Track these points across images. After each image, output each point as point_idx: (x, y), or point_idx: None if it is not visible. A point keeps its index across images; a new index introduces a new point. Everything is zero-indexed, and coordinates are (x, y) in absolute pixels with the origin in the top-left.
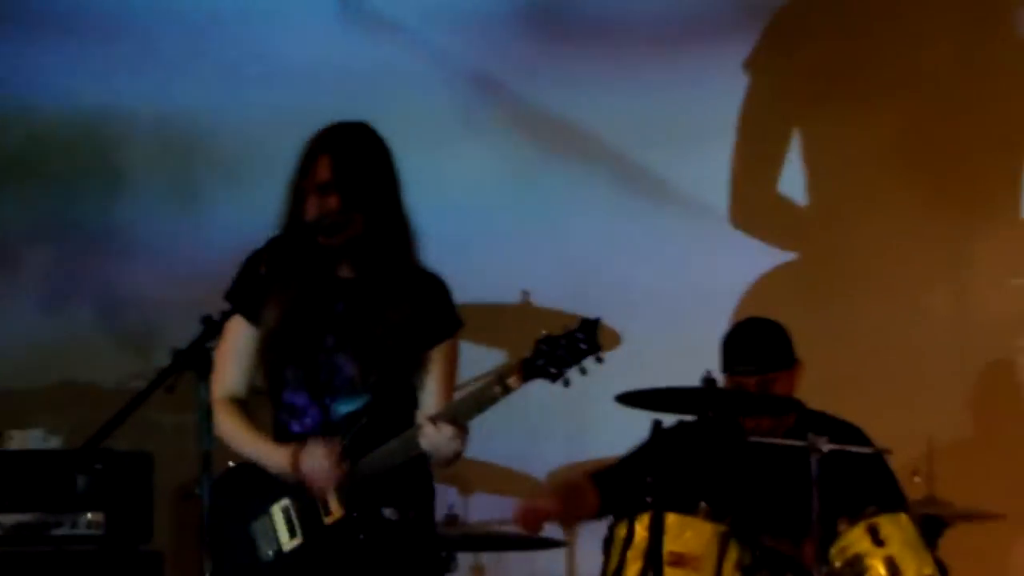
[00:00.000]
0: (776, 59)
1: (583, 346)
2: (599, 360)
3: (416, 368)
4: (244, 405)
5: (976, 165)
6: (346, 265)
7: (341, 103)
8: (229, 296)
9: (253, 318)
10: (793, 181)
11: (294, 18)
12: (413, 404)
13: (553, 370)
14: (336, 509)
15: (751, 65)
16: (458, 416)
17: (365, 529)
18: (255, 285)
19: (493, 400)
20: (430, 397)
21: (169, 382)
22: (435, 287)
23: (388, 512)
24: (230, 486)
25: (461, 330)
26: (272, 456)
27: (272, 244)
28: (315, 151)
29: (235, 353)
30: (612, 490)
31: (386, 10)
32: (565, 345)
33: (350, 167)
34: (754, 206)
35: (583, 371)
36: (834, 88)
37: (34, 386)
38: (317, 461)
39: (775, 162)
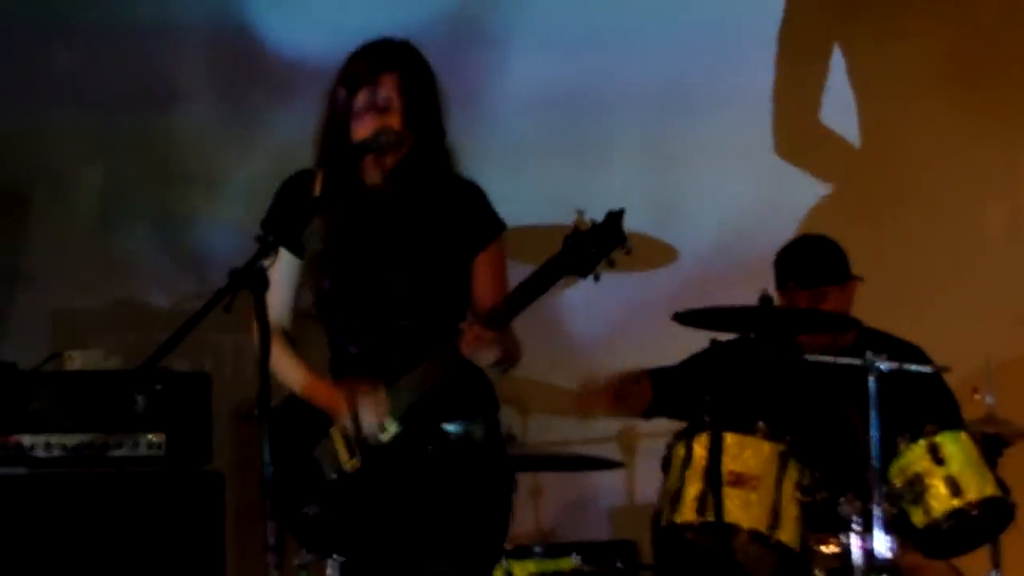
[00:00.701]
0: None
1: (610, 238)
2: (627, 251)
3: (465, 277)
4: (289, 336)
5: None
6: (389, 182)
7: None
8: (266, 225)
9: (294, 247)
10: (838, 105)
11: None
12: (463, 319)
13: (583, 266)
14: (392, 425)
15: None
16: (492, 320)
17: (430, 441)
18: (293, 213)
19: (526, 301)
20: (482, 301)
21: (226, 301)
22: (473, 195)
23: (452, 427)
24: (289, 412)
25: (504, 232)
26: (319, 390)
27: (305, 173)
28: (376, 68)
29: (277, 284)
30: (666, 390)
31: None
32: (592, 239)
33: (416, 86)
34: (798, 137)
35: (611, 263)
36: (878, 4)
37: (92, 306)
38: (366, 407)
39: (817, 88)
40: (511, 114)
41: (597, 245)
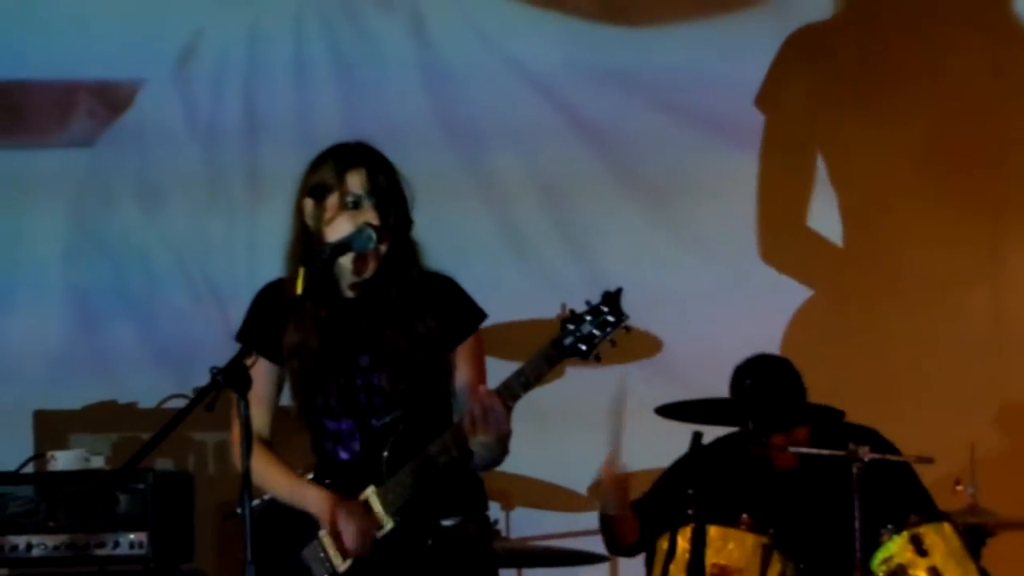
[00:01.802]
0: (801, 71)
1: (610, 317)
2: (626, 329)
3: (446, 372)
4: (269, 445)
5: (1008, 168)
6: (371, 281)
7: None
8: (241, 338)
9: (272, 355)
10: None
11: None
12: (448, 412)
13: (583, 347)
14: (387, 521)
15: (774, 79)
16: (502, 393)
17: (425, 536)
18: (269, 321)
19: (528, 385)
20: (464, 394)
21: (208, 400)
22: (448, 288)
23: (448, 522)
24: (272, 515)
25: (482, 321)
26: (306, 496)
27: (277, 283)
28: (341, 168)
29: (257, 394)
30: (650, 516)
31: None
32: (591, 320)
33: (383, 180)
34: (784, 240)
35: (613, 343)
36: (860, 98)
37: (75, 407)
38: (352, 528)
39: (804, 186)
40: (491, 202)
41: (597, 325)
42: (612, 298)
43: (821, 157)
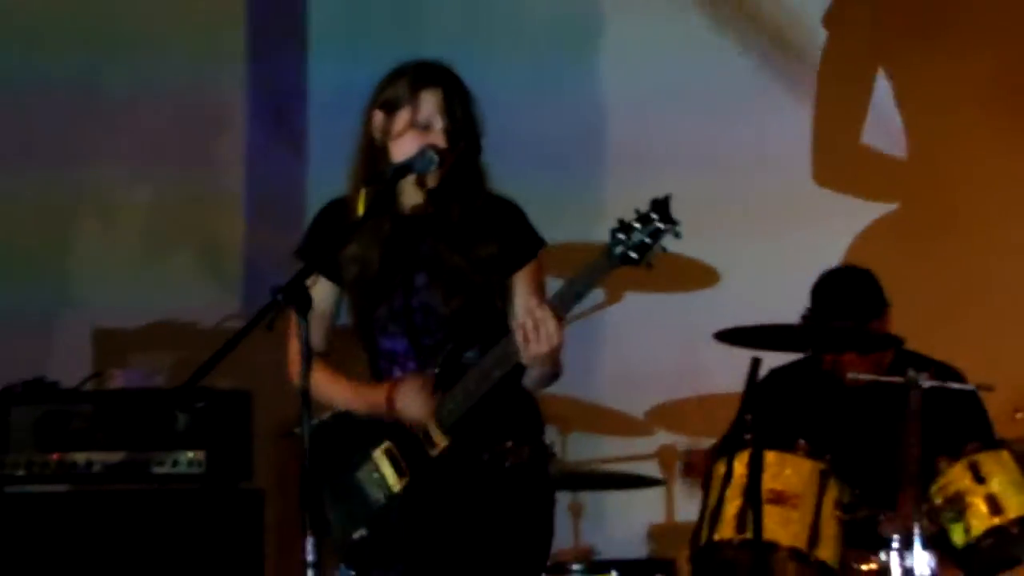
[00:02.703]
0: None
1: (660, 224)
2: (677, 235)
3: (502, 294)
4: (328, 357)
5: None
6: (430, 202)
7: None
8: (302, 255)
9: (331, 274)
10: (879, 129)
11: None
12: (503, 336)
13: (634, 255)
14: (440, 440)
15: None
16: (555, 305)
17: (480, 453)
18: (330, 240)
19: (580, 293)
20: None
21: (268, 320)
22: (511, 213)
23: (503, 444)
24: (326, 439)
25: (543, 249)
26: (365, 398)
27: (339, 201)
28: (416, 87)
29: (315, 312)
30: None
31: None
32: (640, 227)
33: (457, 104)
34: (839, 161)
35: (664, 249)
36: (925, 29)
37: (136, 325)
38: (410, 394)
39: (860, 109)
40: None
41: (648, 233)
42: (661, 205)
43: (888, 81)
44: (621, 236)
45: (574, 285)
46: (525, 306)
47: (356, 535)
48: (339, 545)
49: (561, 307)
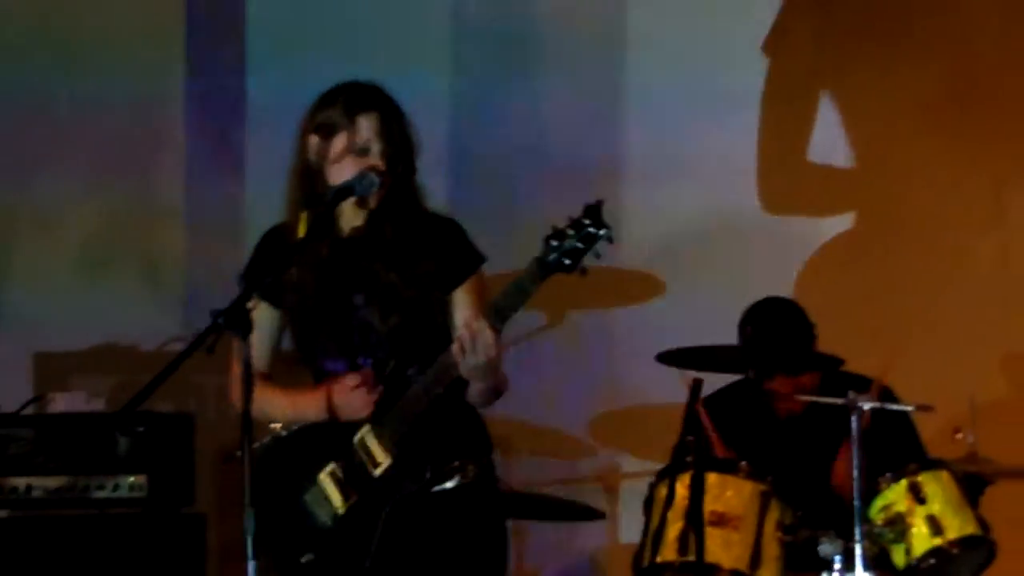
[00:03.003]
0: (810, 15)
1: (591, 229)
2: (609, 240)
3: (443, 312)
4: (270, 378)
5: (1018, 113)
6: (370, 223)
7: None
8: (243, 279)
9: (273, 298)
10: (825, 146)
11: None
12: (445, 348)
13: (568, 261)
14: (384, 458)
15: (781, 24)
16: (490, 315)
17: (423, 471)
18: (272, 263)
19: (516, 303)
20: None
21: (209, 343)
22: (451, 230)
23: (449, 463)
24: (270, 462)
25: (483, 264)
26: (305, 404)
27: (280, 227)
28: (352, 111)
29: (257, 335)
30: None
31: None
32: (574, 234)
33: (394, 126)
34: (784, 185)
35: (597, 255)
36: (867, 43)
37: (75, 349)
38: (347, 392)
39: (804, 133)
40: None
41: (581, 238)
42: (593, 210)
43: (830, 99)
44: (554, 243)
45: (508, 296)
46: (463, 320)
47: (303, 559)
48: (286, 570)
49: (496, 318)
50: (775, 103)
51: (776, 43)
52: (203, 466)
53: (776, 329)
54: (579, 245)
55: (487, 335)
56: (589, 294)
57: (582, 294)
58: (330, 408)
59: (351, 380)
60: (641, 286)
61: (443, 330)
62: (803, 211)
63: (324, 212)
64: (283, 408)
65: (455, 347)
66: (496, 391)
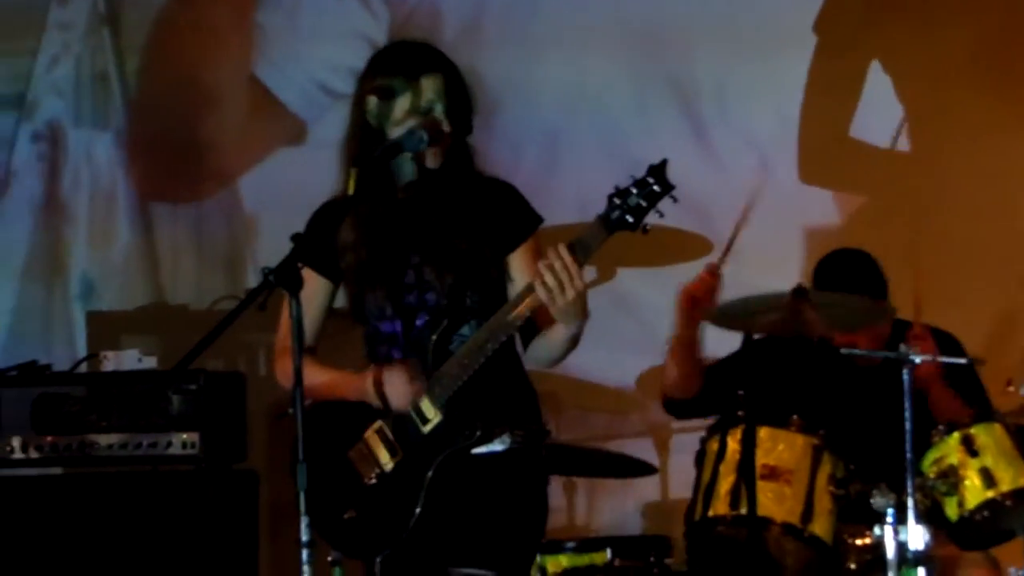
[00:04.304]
0: None
1: (656, 188)
2: (674, 199)
3: (499, 272)
4: (313, 352)
5: None
6: (421, 183)
7: None
8: (294, 239)
9: (322, 269)
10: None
11: None
12: (497, 306)
13: (630, 218)
14: (433, 415)
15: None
16: (573, 248)
17: (474, 428)
18: (322, 236)
19: (582, 257)
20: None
21: (260, 300)
22: (507, 192)
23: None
24: (318, 420)
25: (541, 225)
26: (352, 385)
27: (335, 202)
28: (415, 72)
29: (304, 302)
30: (712, 383)
31: None
32: (638, 192)
33: (456, 88)
34: (825, 157)
35: (660, 214)
36: (911, 13)
37: (128, 308)
38: (396, 380)
39: (849, 108)
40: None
41: (644, 196)
42: (657, 169)
43: (881, 67)
44: (617, 201)
45: (577, 245)
46: (540, 261)
47: (346, 515)
48: (327, 526)
49: (584, 250)
50: (820, 79)
51: (826, 22)
52: (254, 424)
53: (847, 279)
54: (642, 203)
55: (573, 267)
56: (641, 250)
57: (635, 250)
58: (378, 391)
59: (401, 367)
60: (693, 244)
61: (498, 288)
62: (842, 186)
63: (373, 168)
64: (327, 386)
65: (542, 281)
66: (579, 336)
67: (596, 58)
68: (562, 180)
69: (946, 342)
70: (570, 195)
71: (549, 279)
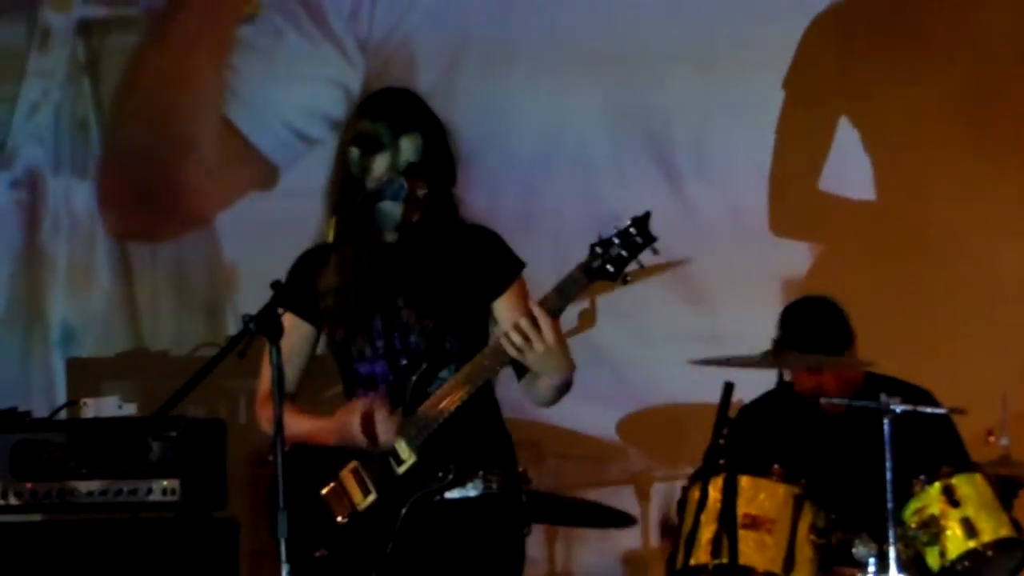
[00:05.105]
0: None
1: (638, 239)
2: (654, 251)
3: (481, 317)
4: (294, 399)
5: None
6: (408, 233)
7: None
8: (275, 286)
9: (304, 314)
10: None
11: None
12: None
13: (611, 268)
14: (408, 456)
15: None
16: (546, 303)
17: (446, 472)
18: (304, 281)
19: (560, 306)
20: None
21: (240, 348)
22: (489, 239)
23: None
24: (295, 461)
25: (523, 270)
26: (333, 431)
27: (319, 248)
28: (396, 131)
29: (284, 349)
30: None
31: None
32: (619, 243)
33: (437, 145)
34: (796, 210)
35: (641, 265)
36: (888, 49)
37: (108, 355)
38: (380, 414)
39: (818, 160)
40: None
41: (626, 247)
42: (640, 221)
43: (847, 115)
44: (599, 251)
45: (550, 300)
46: (517, 314)
47: (317, 554)
48: (299, 564)
49: (558, 304)
50: (790, 133)
51: (795, 78)
52: (235, 470)
53: (810, 326)
54: (623, 253)
55: (546, 320)
56: (620, 296)
57: (614, 296)
58: (351, 434)
59: (379, 408)
60: (671, 289)
61: (479, 333)
62: (813, 238)
63: (354, 215)
64: (301, 439)
65: (512, 337)
66: (567, 384)
67: (572, 105)
68: (538, 228)
69: (921, 397)
70: (547, 244)
71: (515, 337)
